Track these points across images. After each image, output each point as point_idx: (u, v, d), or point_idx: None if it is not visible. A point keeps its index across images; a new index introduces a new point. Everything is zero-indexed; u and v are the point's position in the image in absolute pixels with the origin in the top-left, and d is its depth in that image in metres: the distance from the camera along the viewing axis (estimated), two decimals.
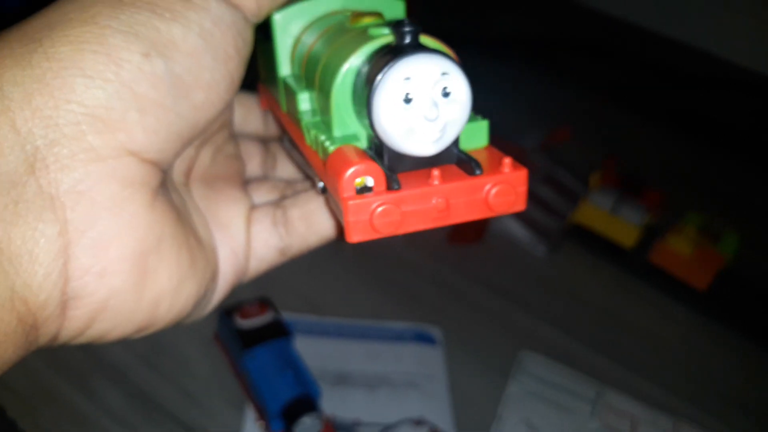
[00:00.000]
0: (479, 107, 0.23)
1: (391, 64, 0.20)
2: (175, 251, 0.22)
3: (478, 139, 0.24)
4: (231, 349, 0.52)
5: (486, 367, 0.57)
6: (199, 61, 0.21)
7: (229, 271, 0.26)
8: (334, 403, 0.51)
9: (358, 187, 0.20)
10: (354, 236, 0.21)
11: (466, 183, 0.21)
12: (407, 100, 0.20)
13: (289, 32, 0.27)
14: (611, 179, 0.75)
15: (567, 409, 0.54)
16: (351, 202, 0.20)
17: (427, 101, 0.20)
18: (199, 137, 0.24)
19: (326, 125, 0.23)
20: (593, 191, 0.73)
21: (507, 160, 0.22)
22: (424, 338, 0.58)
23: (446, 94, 0.20)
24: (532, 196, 0.75)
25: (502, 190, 0.21)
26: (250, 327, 0.51)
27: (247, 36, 0.24)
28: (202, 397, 0.51)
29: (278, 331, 0.52)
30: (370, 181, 0.20)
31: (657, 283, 0.69)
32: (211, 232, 0.26)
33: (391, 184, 0.21)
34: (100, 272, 0.20)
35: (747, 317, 0.67)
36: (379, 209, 0.20)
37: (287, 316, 0.56)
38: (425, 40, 0.22)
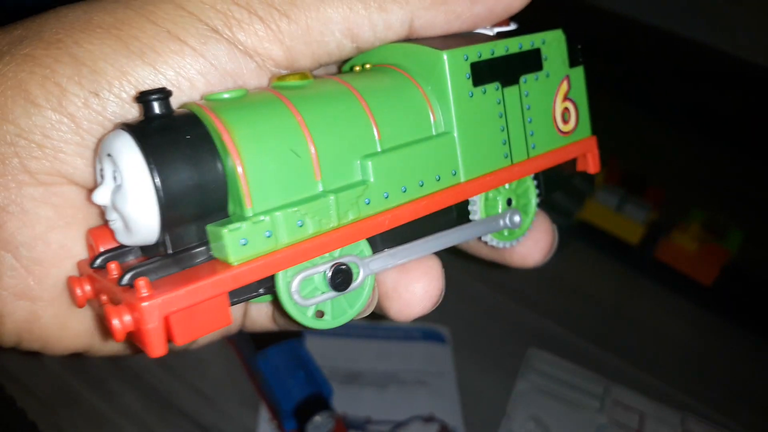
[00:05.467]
0: None
1: None
2: None
3: (256, 244, 0.17)
4: (244, 350, 0.53)
5: (494, 365, 0.57)
6: None
7: None
8: (345, 402, 0.52)
9: None
10: None
11: (104, 285, 0.18)
12: (101, 179, 0.18)
13: None
14: (615, 177, 0.76)
15: (575, 405, 0.55)
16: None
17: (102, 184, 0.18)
18: None
19: None
20: (598, 189, 0.73)
21: (142, 282, 0.15)
22: (433, 337, 0.59)
23: (116, 179, 0.18)
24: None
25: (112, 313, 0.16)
26: None
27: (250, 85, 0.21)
28: (216, 398, 0.52)
29: (290, 332, 0.52)
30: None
31: (663, 278, 0.69)
32: None
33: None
34: (18, 294, 0.20)
35: (752, 312, 0.67)
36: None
37: None
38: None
